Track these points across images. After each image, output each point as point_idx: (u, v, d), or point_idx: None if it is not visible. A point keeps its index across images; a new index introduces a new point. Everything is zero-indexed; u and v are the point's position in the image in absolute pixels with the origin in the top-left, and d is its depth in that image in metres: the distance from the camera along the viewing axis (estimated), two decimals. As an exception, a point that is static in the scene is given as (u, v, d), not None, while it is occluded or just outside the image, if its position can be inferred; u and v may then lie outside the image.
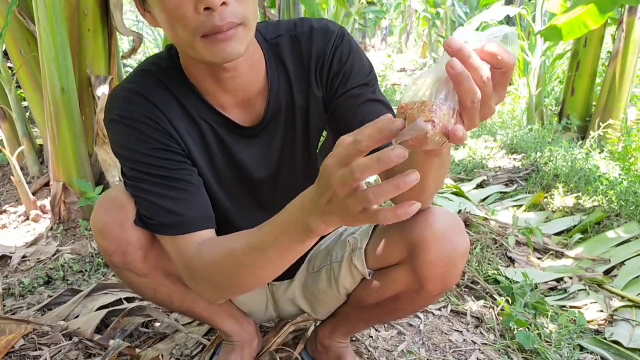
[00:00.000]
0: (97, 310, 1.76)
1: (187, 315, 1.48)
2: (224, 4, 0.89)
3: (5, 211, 3.05)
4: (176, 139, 1.08)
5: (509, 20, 6.68)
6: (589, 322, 1.96)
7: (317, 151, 1.24)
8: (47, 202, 2.93)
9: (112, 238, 1.15)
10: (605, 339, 1.83)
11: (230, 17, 0.91)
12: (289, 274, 1.44)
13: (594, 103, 4.55)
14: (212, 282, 1.02)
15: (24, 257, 2.40)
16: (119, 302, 1.82)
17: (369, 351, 1.64)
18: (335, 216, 0.73)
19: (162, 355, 1.52)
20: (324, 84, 1.15)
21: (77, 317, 1.75)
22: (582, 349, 1.77)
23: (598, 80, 4.66)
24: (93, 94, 2.86)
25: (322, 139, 1.26)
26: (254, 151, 1.17)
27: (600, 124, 4.09)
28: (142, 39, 3.18)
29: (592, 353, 1.74)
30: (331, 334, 1.46)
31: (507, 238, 2.60)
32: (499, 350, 1.70)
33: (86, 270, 2.20)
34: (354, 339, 1.68)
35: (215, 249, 1.00)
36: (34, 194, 3.03)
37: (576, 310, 2.04)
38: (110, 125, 1.08)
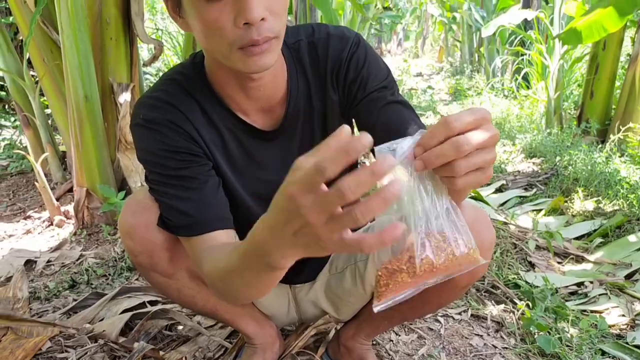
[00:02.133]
0: (121, 313, 1.79)
1: (210, 316, 1.51)
2: (262, 19, 0.92)
3: (29, 217, 3.11)
4: (198, 141, 1.12)
5: (526, 24, 6.65)
6: (610, 326, 1.95)
7: None
8: (70, 208, 2.99)
9: (138, 239, 1.18)
10: (627, 343, 1.81)
11: (266, 31, 0.94)
12: (310, 276, 1.46)
13: (614, 106, 4.50)
14: (217, 288, 1.02)
15: (48, 261, 2.44)
16: (143, 305, 1.86)
17: (390, 355, 1.65)
18: (300, 248, 0.67)
19: (185, 358, 1.55)
20: (340, 89, 1.18)
21: (102, 320, 1.79)
22: (603, 353, 1.76)
23: (617, 84, 4.62)
24: (115, 101, 2.91)
25: None
26: (273, 153, 1.21)
27: (620, 127, 4.05)
28: (162, 46, 3.23)
29: (613, 357, 1.73)
30: (355, 335, 1.47)
31: (526, 242, 2.59)
32: (520, 354, 1.70)
33: (109, 274, 2.24)
34: (374, 342, 1.69)
35: (214, 260, 0.99)
36: (57, 200, 3.08)
37: (597, 315, 2.03)
38: (135, 129, 1.12)
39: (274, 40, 0.97)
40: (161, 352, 1.57)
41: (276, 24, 0.96)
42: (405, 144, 0.69)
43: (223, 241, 1.08)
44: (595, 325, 1.93)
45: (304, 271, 1.43)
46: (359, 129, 1.19)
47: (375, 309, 0.72)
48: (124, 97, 2.88)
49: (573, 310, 2.03)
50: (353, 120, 1.21)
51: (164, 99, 1.10)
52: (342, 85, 1.17)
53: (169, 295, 1.34)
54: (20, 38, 4.28)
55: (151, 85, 1.21)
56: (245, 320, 1.44)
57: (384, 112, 1.12)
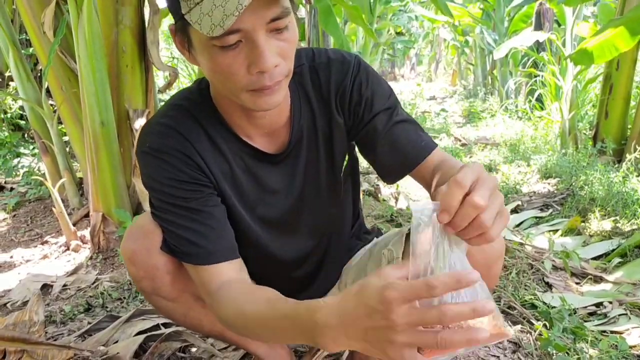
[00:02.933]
0: (135, 335, 1.79)
1: (219, 339, 1.50)
2: (276, 66, 0.95)
3: (46, 242, 3.15)
4: (205, 171, 1.14)
5: (538, 45, 6.66)
6: (630, 347, 1.91)
7: (341, 174, 1.28)
8: (86, 232, 3.02)
9: (140, 264, 1.20)
10: (649, 364, 1.78)
11: (278, 76, 0.97)
12: (319, 292, 1.46)
13: (629, 126, 4.47)
14: (234, 328, 1.05)
15: (64, 285, 2.46)
16: (157, 327, 1.86)
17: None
18: (361, 343, 0.71)
19: (199, 380, 1.54)
20: (345, 112, 1.21)
21: (116, 342, 1.79)
22: (624, 374, 1.72)
23: (632, 103, 4.59)
24: (131, 127, 2.96)
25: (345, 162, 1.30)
26: (278, 176, 1.22)
27: (637, 146, 4.01)
28: (177, 73, 3.29)
29: (635, 379, 1.69)
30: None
31: (543, 262, 2.56)
32: (538, 376, 1.67)
33: (124, 298, 2.25)
34: None
35: (237, 303, 1.02)
36: (74, 225, 3.12)
37: (617, 335, 1.99)
38: (142, 156, 1.14)
39: (283, 80, 1.00)
40: (175, 375, 1.57)
41: (287, 66, 0.99)
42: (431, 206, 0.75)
43: (231, 274, 1.11)
44: (616, 346, 1.89)
45: (312, 287, 1.43)
46: (365, 149, 1.21)
47: None
48: (140, 123, 2.93)
49: (592, 331, 1.99)
50: (355, 142, 1.26)
51: (172, 126, 1.12)
52: (347, 108, 1.19)
53: (175, 320, 1.34)
54: (40, 68, 4.38)
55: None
56: (255, 343, 1.44)
57: (391, 132, 1.15)
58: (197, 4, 0.90)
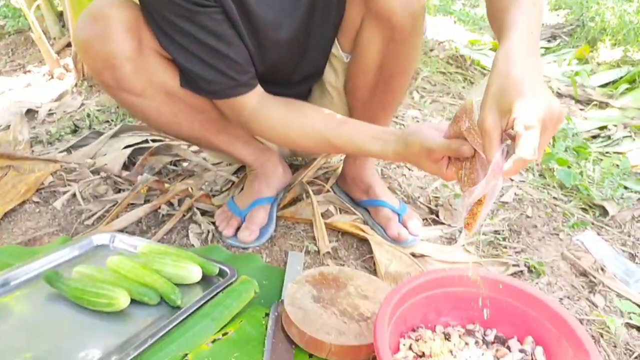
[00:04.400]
0: (123, 149, 1.72)
1: (202, 144, 1.39)
2: None
3: (29, 71, 3.00)
4: None
5: None
6: (632, 166, 1.86)
7: None
8: (69, 61, 2.86)
9: (96, 54, 1.07)
10: (650, 179, 1.74)
11: None
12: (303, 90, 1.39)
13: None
14: (268, 136, 1.18)
15: (50, 110, 2.36)
16: (145, 142, 1.79)
17: (402, 188, 1.59)
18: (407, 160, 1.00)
19: (191, 189, 1.49)
20: None
21: (105, 155, 1.72)
22: (625, 188, 1.69)
23: None
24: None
25: None
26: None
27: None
28: None
29: (636, 192, 1.66)
30: (354, 160, 1.40)
31: (549, 82, 2.46)
32: (537, 188, 1.64)
33: (112, 120, 2.16)
34: (385, 176, 1.63)
35: (278, 117, 1.12)
36: (57, 54, 2.95)
37: (620, 155, 1.95)
38: None
39: None
40: (166, 185, 1.51)
41: None
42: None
43: (259, 91, 1.13)
44: (617, 165, 1.85)
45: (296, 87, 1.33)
46: None
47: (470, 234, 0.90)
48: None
49: (595, 151, 1.94)
50: None
51: None
52: None
53: (149, 119, 1.22)
54: None
55: None
56: (241, 146, 1.35)
57: None
58: None
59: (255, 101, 1.12)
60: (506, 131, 0.76)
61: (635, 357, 1.02)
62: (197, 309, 0.99)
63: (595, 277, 1.22)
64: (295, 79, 1.25)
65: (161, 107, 1.16)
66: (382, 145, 1.01)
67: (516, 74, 0.76)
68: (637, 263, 1.30)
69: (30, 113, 2.37)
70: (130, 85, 1.10)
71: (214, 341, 0.94)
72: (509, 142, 0.78)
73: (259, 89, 1.13)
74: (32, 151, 1.93)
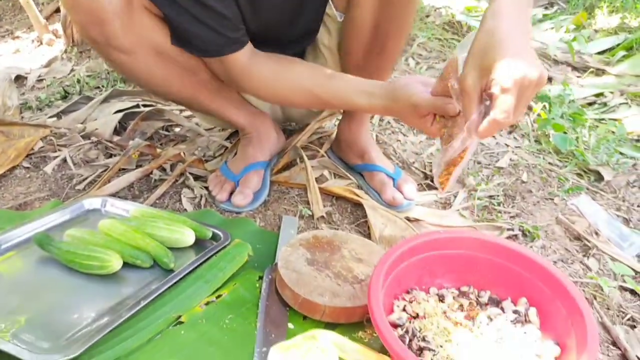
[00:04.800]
0: (114, 114, 1.70)
1: (194, 107, 1.36)
2: None
3: (18, 37, 2.94)
4: None
5: None
6: (628, 133, 1.85)
7: None
8: (58, 27, 2.80)
9: (83, 9, 1.03)
10: (646, 145, 1.73)
11: None
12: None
13: None
14: (262, 94, 1.17)
15: (39, 77, 2.32)
16: (136, 107, 1.76)
17: (397, 153, 1.57)
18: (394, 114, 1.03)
19: (184, 154, 1.47)
20: None
21: (95, 120, 1.70)
22: (620, 154, 1.68)
23: None
24: None
25: None
26: None
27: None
28: None
29: (631, 158, 1.65)
30: (349, 125, 1.39)
31: (546, 49, 2.43)
32: (533, 153, 1.63)
33: (102, 86, 2.12)
34: (380, 141, 1.62)
35: (269, 73, 1.11)
36: (46, 19, 2.89)
37: (615, 121, 1.93)
38: None
39: None
40: (158, 150, 1.49)
41: None
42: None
43: (250, 48, 1.11)
44: (613, 132, 1.83)
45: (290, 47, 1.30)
46: None
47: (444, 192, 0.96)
48: None
49: (591, 118, 1.93)
50: None
51: None
52: None
53: (140, 79, 1.19)
54: None
55: None
56: (233, 109, 1.33)
57: None
58: None
59: (246, 58, 1.10)
60: (486, 91, 0.75)
61: (628, 319, 1.02)
62: (191, 271, 0.99)
63: (589, 241, 1.22)
64: (289, 39, 1.22)
65: (151, 67, 1.14)
66: (370, 99, 1.01)
67: (501, 33, 0.74)
68: (631, 227, 1.30)
69: (20, 79, 2.33)
70: (119, 42, 1.07)
71: (207, 303, 0.94)
72: (488, 102, 0.77)
73: (249, 46, 1.11)
74: (22, 117, 1.90)
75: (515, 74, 0.71)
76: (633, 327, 1.00)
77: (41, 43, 2.80)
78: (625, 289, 1.10)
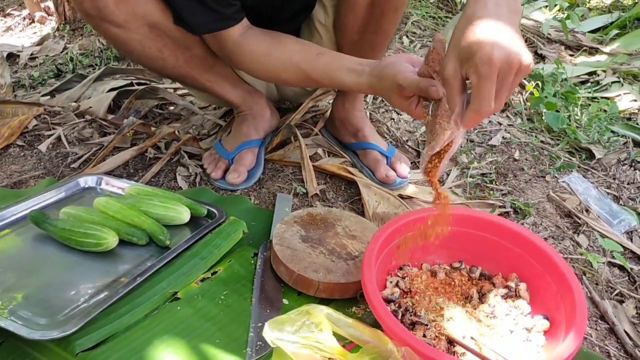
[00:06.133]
0: (107, 92, 1.69)
1: (188, 82, 1.35)
2: None
3: (9, 14, 2.91)
4: None
5: None
6: (620, 111, 1.87)
7: None
8: (50, 4, 2.78)
9: None
10: (637, 124, 1.74)
11: None
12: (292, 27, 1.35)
13: None
14: (253, 70, 1.14)
15: (31, 55, 2.31)
16: (130, 85, 1.75)
17: (390, 131, 1.58)
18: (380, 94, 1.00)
19: (178, 132, 1.48)
20: None
21: (89, 98, 1.69)
22: (612, 132, 1.69)
23: None
24: None
25: None
26: None
27: None
28: None
29: (622, 136, 1.66)
30: (343, 103, 1.39)
31: (540, 28, 2.42)
32: (525, 131, 1.64)
33: (96, 64, 2.12)
34: (374, 120, 1.62)
35: (262, 48, 1.09)
36: (36, -4, 2.86)
37: (608, 100, 1.94)
38: None
39: None
40: (152, 128, 1.49)
41: None
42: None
43: (245, 25, 1.10)
44: (605, 110, 1.85)
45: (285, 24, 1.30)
46: None
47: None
48: None
49: (584, 97, 1.94)
50: None
51: None
52: None
53: (133, 53, 1.18)
54: None
55: None
56: (228, 86, 1.34)
57: None
58: None
59: (239, 33, 1.09)
60: (468, 80, 0.73)
61: (616, 294, 1.05)
62: (186, 248, 1.00)
63: (579, 218, 1.24)
64: (284, 15, 1.22)
65: (145, 41, 1.13)
66: (357, 77, 0.99)
67: (480, 19, 0.70)
68: (621, 205, 1.32)
69: (12, 57, 2.31)
70: (112, 16, 1.06)
71: (203, 280, 0.95)
72: (470, 91, 0.75)
73: (244, 22, 1.10)
74: (15, 95, 1.89)
75: (495, 61, 0.66)
76: (621, 302, 1.03)
77: (33, 21, 2.77)
78: (614, 265, 1.12)
